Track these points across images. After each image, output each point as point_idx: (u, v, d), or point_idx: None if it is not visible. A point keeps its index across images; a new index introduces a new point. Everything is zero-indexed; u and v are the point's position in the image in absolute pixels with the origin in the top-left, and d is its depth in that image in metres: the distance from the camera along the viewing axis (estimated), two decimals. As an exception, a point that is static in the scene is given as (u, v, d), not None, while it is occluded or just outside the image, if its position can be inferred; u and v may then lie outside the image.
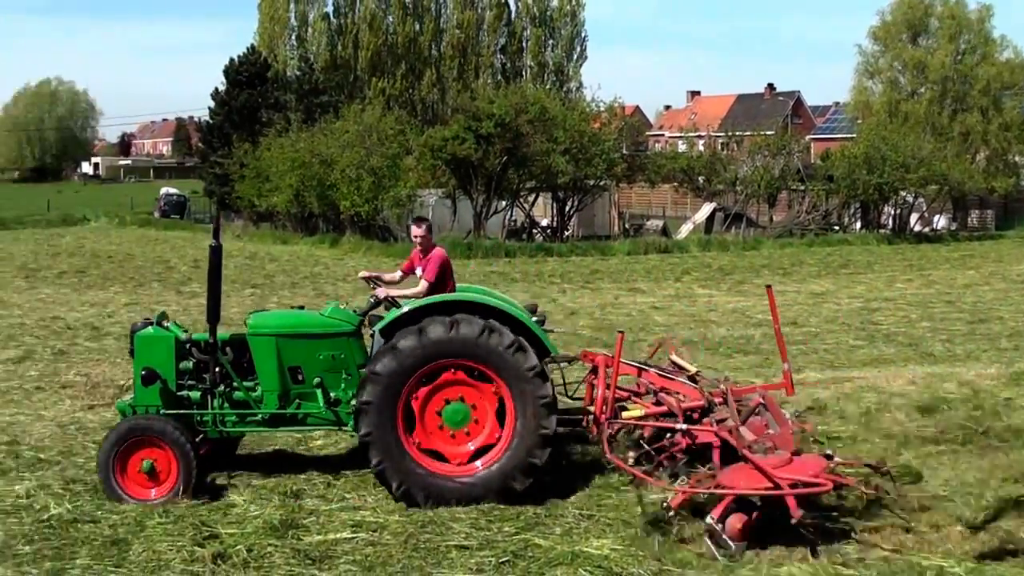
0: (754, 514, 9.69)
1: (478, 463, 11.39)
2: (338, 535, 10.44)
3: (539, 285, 32.40)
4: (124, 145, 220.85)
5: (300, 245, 48.13)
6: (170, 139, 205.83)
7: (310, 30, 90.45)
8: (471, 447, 11.43)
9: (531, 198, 53.71)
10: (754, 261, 39.47)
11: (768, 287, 12.74)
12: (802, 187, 55.03)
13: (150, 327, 12.23)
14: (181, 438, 11.49)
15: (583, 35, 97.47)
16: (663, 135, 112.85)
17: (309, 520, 10.82)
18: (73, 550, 10.14)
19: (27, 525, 10.79)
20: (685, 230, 53.54)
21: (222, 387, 12.07)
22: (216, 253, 11.80)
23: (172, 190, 79.92)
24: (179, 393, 12.06)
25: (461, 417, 11.39)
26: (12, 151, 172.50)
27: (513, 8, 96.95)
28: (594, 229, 55.26)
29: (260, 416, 12.08)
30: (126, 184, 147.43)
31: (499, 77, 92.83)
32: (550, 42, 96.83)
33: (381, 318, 11.95)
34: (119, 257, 42.47)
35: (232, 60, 68.09)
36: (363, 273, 12.96)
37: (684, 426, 11.21)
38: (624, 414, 11.72)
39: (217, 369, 12.04)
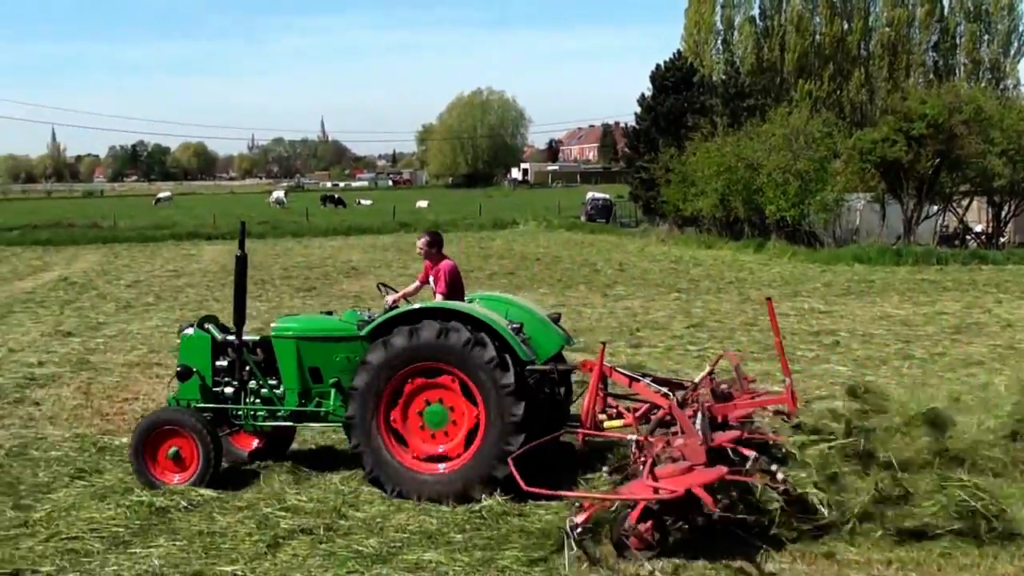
0: (649, 521, 9.90)
1: (442, 466, 11.93)
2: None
3: (972, 294, 31.00)
4: (552, 151, 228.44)
5: (724, 250, 48.05)
6: (596, 145, 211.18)
7: (736, 34, 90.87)
8: (440, 449, 12.01)
9: (964, 202, 51.48)
10: None
11: (768, 299, 12.59)
12: None
13: (191, 328, 13.41)
14: (202, 429, 12.46)
15: (1021, 29, 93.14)
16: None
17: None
18: (503, 542, 10.53)
19: (460, 514, 11.40)
20: None
21: (252, 384, 13.10)
22: (241, 262, 12.94)
23: (598, 195, 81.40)
24: (215, 389, 13.17)
25: (440, 418, 12.04)
26: (447, 158, 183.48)
27: (946, 4, 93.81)
28: (1033, 235, 52.43)
29: (284, 412, 13.02)
30: (553, 189, 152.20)
31: (931, 76, 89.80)
32: (985, 37, 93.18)
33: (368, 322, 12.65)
34: (547, 259, 43.71)
35: (658, 66, 68.97)
36: (389, 299, 13.44)
37: (635, 437, 11.35)
38: (606, 424, 12.14)
39: (246, 368, 13.08)
